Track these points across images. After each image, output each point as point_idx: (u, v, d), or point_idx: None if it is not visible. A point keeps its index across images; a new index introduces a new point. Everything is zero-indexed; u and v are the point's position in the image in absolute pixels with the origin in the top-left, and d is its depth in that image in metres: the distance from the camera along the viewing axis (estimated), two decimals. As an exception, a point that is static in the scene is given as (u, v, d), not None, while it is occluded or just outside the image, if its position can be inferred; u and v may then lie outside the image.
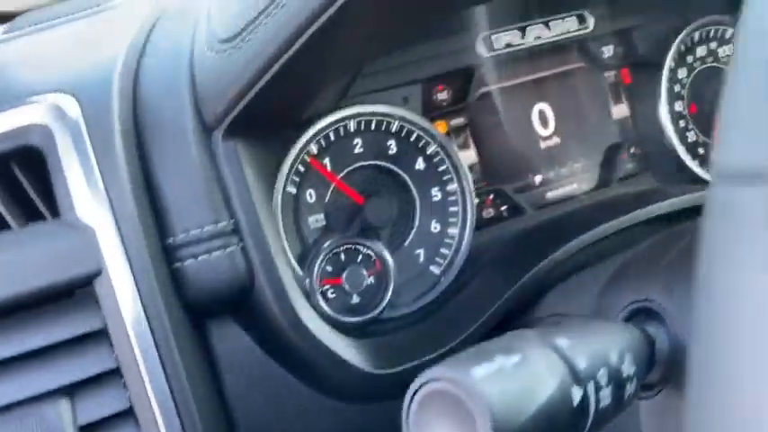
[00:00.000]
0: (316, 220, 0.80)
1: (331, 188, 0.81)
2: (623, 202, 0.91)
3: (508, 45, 0.90)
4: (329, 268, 0.79)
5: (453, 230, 0.86)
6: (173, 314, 0.60)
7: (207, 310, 0.66)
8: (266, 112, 0.64)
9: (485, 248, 0.88)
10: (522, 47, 0.91)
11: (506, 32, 0.90)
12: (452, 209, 0.86)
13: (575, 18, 0.94)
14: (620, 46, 0.99)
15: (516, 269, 0.77)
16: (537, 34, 0.92)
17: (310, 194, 0.80)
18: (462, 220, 0.86)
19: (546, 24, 0.92)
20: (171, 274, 0.61)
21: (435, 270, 0.85)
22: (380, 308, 0.79)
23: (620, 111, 0.99)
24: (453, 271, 0.84)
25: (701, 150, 1.00)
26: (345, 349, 0.69)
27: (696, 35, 1.01)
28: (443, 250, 0.85)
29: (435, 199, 0.85)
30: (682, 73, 1.00)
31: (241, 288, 0.64)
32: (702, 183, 0.99)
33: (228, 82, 0.60)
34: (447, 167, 0.85)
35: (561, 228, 0.86)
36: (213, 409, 0.64)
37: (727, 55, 1.03)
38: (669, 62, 0.98)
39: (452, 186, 0.86)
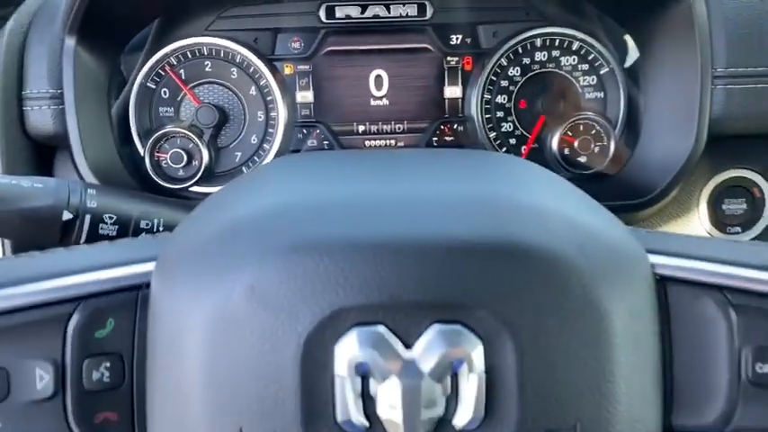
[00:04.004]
0: (165, 111, 1.14)
1: (183, 92, 1.14)
2: None
3: (347, 17, 1.14)
4: (167, 146, 1.13)
5: (267, 146, 1.15)
6: (18, 141, 1.00)
7: (48, 145, 1.04)
8: (105, 23, 0.99)
9: None
10: (361, 20, 1.14)
11: (347, 6, 1.14)
12: (270, 130, 1.15)
13: (415, 6, 1.14)
14: (467, 37, 1.17)
15: None
16: (376, 13, 1.14)
17: (165, 92, 1.14)
18: (273, 138, 1.15)
19: (387, 7, 1.14)
20: (20, 114, 1.00)
21: (244, 169, 1.16)
22: (190, 182, 1.12)
23: (453, 92, 1.18)
24: None
25: (512, 141, 1.17)
26: None
27: (538, 41, 1.15)
28: (256, 158, 1.15)
29: (260, 119, 1.15)
30: (514, 71, 1.16)
31: (61, 136, 1.01)
32: None
33: None
34: (273, 99, 1.14)
35: None
36: None
37: (571, 64, 1.16)
38: (500, 58, 1.15)
39: (274, 114, 1.15)
